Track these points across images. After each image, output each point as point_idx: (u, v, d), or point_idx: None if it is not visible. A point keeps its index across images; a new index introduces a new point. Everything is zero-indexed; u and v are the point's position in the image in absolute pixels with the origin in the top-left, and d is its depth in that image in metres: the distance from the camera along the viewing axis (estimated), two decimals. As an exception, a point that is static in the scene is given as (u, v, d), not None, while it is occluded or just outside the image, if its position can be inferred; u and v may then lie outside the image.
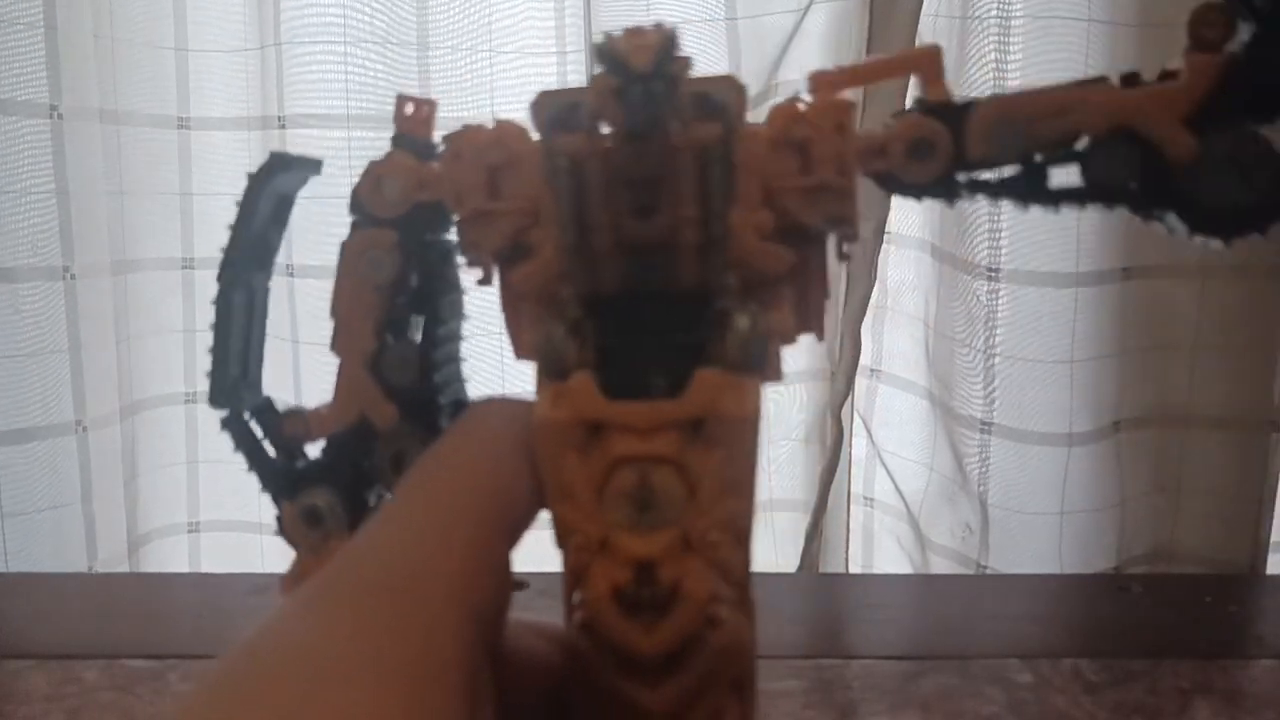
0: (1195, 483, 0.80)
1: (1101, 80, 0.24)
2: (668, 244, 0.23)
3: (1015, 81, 0.74)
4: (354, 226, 0.26)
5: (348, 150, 0.81)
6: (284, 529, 0.27)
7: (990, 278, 0.76)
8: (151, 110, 0.87)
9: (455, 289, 0.27)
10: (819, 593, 0.78)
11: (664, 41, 0.21)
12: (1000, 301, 0.77)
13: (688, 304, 0.24)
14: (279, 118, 0.83)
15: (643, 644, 0.21)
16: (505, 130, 0.25)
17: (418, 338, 0.26)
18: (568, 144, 0.23)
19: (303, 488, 0.27)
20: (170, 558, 0.95)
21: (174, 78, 0.87)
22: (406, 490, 0.23)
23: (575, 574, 0.22)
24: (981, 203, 0.25)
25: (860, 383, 0.87)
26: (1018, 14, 0.73)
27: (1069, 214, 0.74)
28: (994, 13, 0.73)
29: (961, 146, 0.24)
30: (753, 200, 0.24)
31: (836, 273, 0.74)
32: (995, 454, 0.80)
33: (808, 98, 0.24)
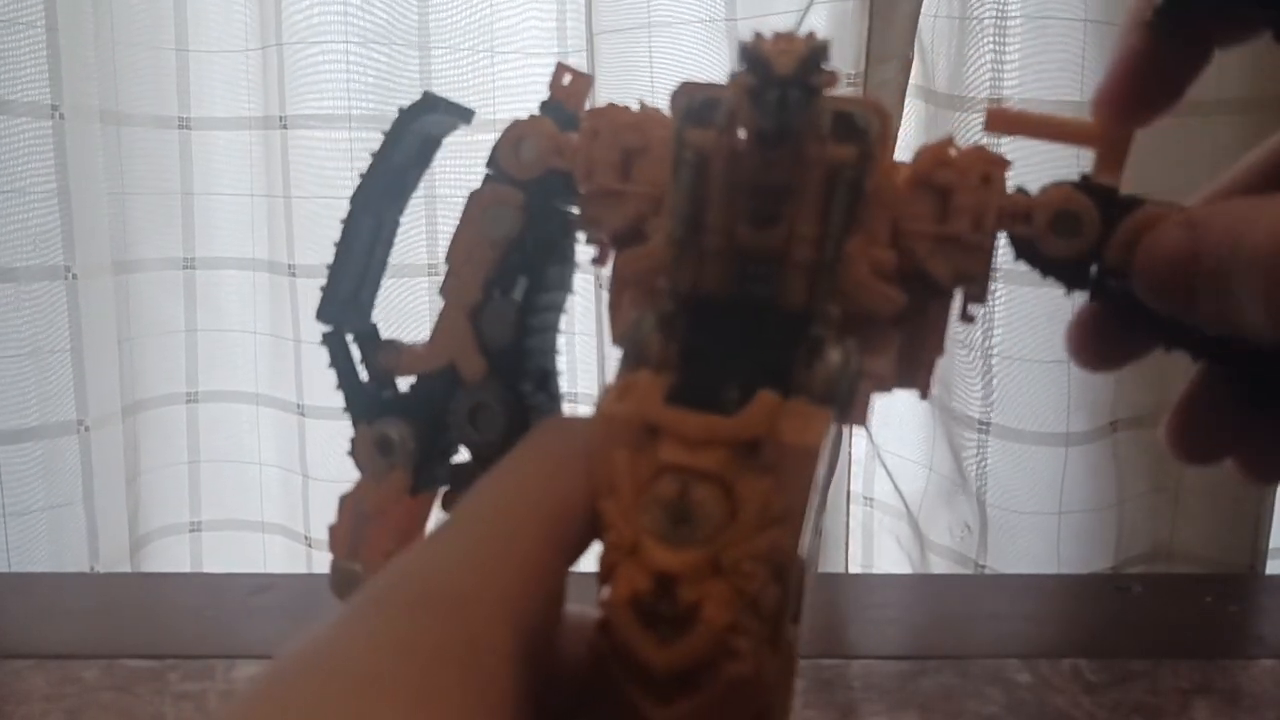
0: (1194, 482, 0.80)
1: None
2: (779, 258, 0.23)
3: (1012, 82, 0.74)
4: (486, 180, 0.26)
5: (349, 151, 0.82)
6: (355, 451, 0.27)
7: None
8: (153, 111, 0.87)
9: (567, 261, 0.27)
10: (819, 592, 0.78)
11: (811, 51, 0.21)
12: (998, 302, 0.77)
13: (784, 323, 0.23)
14: (280, 118, 0.83)
15: (655, 658, 0.21)
16: (647, 115, 0.25)
17: (520, 299, 0.27)
18: (699, 138, 0.22)
19: (381, 415, 0.27)
20: (172, 557, 0.95)
21: (175, 78, 0.88)
22: (467, 505, 0.22)
23: (604, 570, 0.21)
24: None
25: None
26: (1014, 14, 0.73)
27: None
28: (991, 14, 0.73)
29: (1106, 239, 0.24)
30: (879, 236, 0.23)
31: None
32: (993, 454, 0.80)
33: (959, 144, 0.24)
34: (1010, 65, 0.74)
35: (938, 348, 0.25)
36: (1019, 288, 0.76)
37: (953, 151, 0.24)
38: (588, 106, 0.26)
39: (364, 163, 0.27)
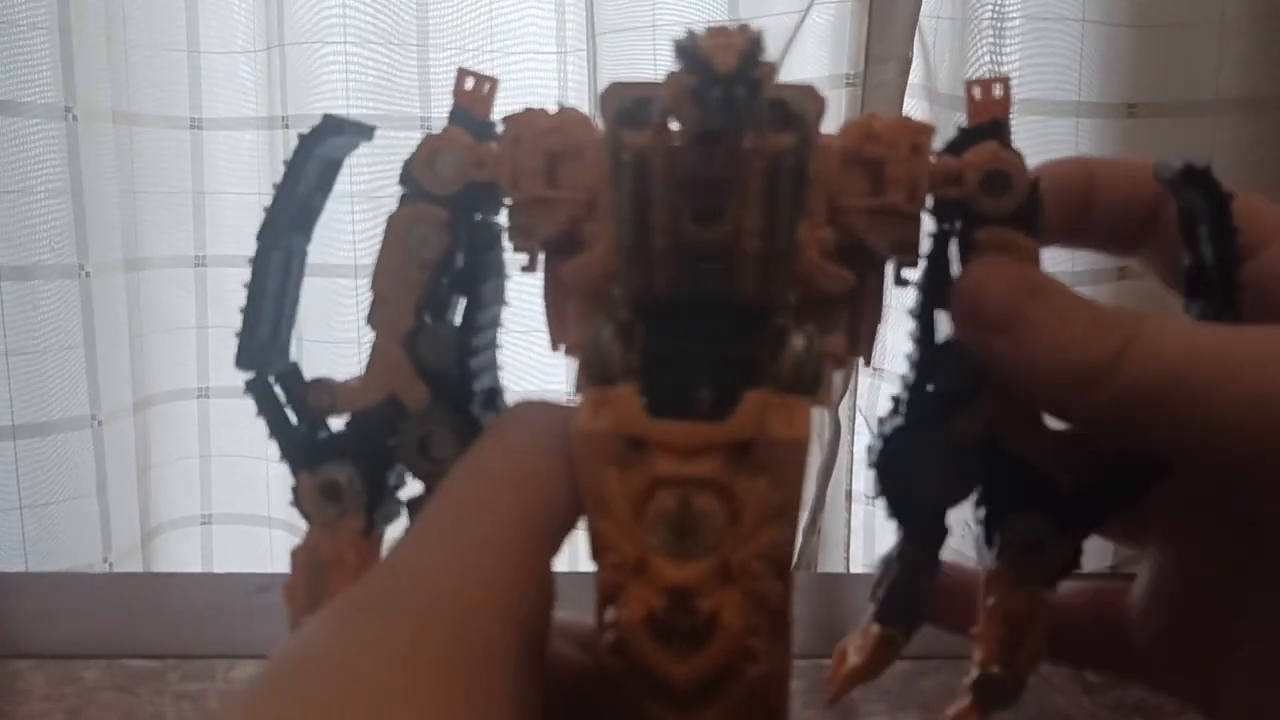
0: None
1: None
2: (728, 252, 0.22)
3: (1012, 82, 0.74)
4: (403, 200, 0.25)
5: (351, 150, 0.82)
6: (299, 501, 0.26)
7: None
8: (164, 111, 0.88)
9: (499, 273, 0.26)
10: (819, 592, 0.78)
11: (750, 44, 0.20)
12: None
13: (741, 316, 0.23)
14: (283, 118, 0.84)
15: (676, 673, 0.21)
16: (568, 118, 0.24)
17: (457, 320, 0.26)
18: (634, 139, 0.22)
19: (323, 460, 0.26)
20: (182, 550, 0.96)
21: (185, 79, 0.89)
22: (444, 499, 0.22)
23: (608, 592, 0.21)
24: None
25: (863, 381, 0.88)
26: (1013, 15, 0.73)
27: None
28: (989, 14, 0.73)
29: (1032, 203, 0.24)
30: (818, 216, 0.23)
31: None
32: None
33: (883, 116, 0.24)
34: (1009, 65, 0.74)
35: (877, 316, 0.25)
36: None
37: (877, 125, 0.23)
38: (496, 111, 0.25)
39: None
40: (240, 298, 0.27)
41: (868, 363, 0.26)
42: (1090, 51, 0.72)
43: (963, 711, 0.28)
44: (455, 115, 0.25)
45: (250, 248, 0.27)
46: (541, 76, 0.82)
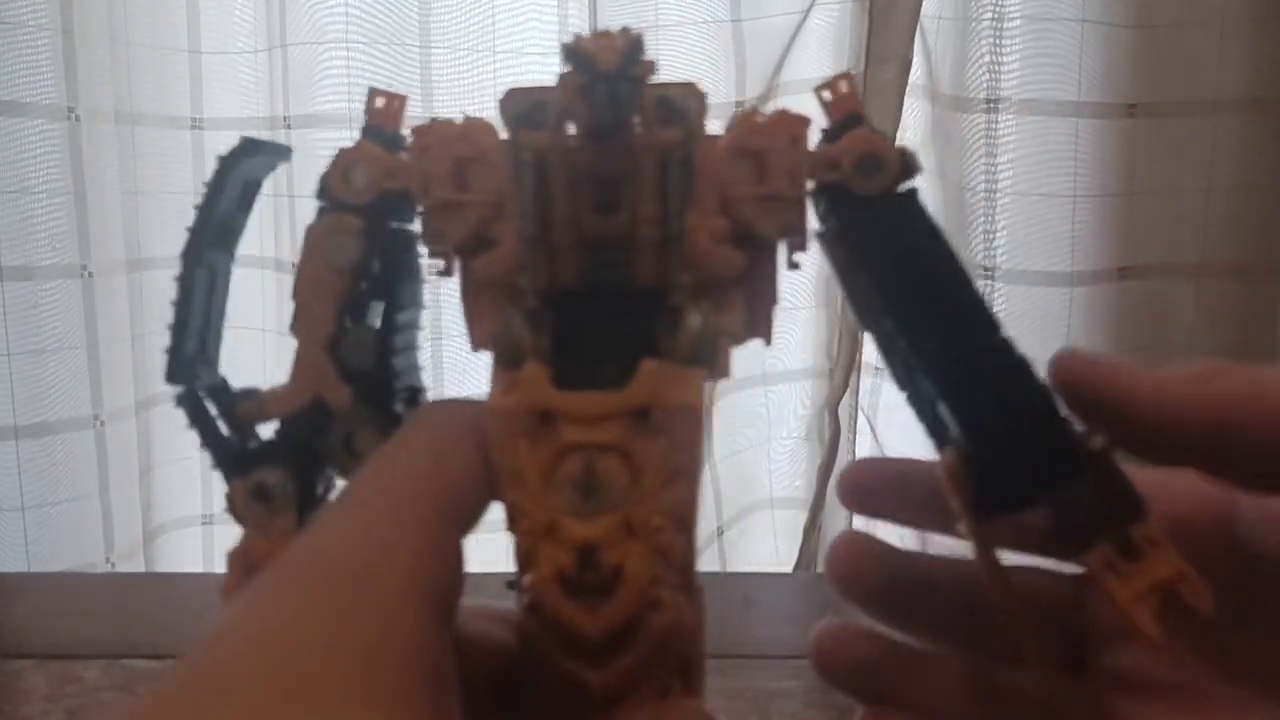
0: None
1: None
2: (626, 241, 0.24)
3: (1011, 82, 0.74)
4: (320, 212, 0.27)
5: (353, 150, 0.82)
6: (233, 506, 0.27)
7: (987, 277, 0.77)
8: (166, 111, 0.88)
9: (415, 278, 0.28)
10: (819, 592, 0.78)
11: (630, 44, 0.22)
12: (996, 301, 0.77)
13: (642, 300, 0.24)
14: (285, 118, 0.84)
15: (586, 626, 0.22)
16: (473, 126, 0.25)
17: (377, 324, 0.27)
18: (533, 140, 0.23)
19: (254, 466, 0.27)
20: (184, 549, 0.96)
21: (187, 79, 0.89)
22: (357, 482, 0.23)
23: (524, 557, 0.23)
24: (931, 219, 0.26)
25: (865, 381, 0.88)
26: (1013, 15, 0.73)
27: (1065, 213, 0.75)
28: (989, 14, 0.73)
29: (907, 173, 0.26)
30: (710, 206, 0.25)
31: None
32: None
33: (767, 110, 0.25)
34: (1009, 66, 0.74)
35: (772, 298, 0.27)
36: (1016, 287, 0.76)
37: (759, 119, 0.25)
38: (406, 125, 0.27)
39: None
40: (238, 306, 0.28)
41: (768, 342, 0.28)
42: (1090, 51, 0.72)
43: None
44: (366, 131, 0.27)
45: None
46: (543, 76, 0.81)
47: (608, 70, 0.22)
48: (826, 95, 0.26)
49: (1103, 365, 0.26)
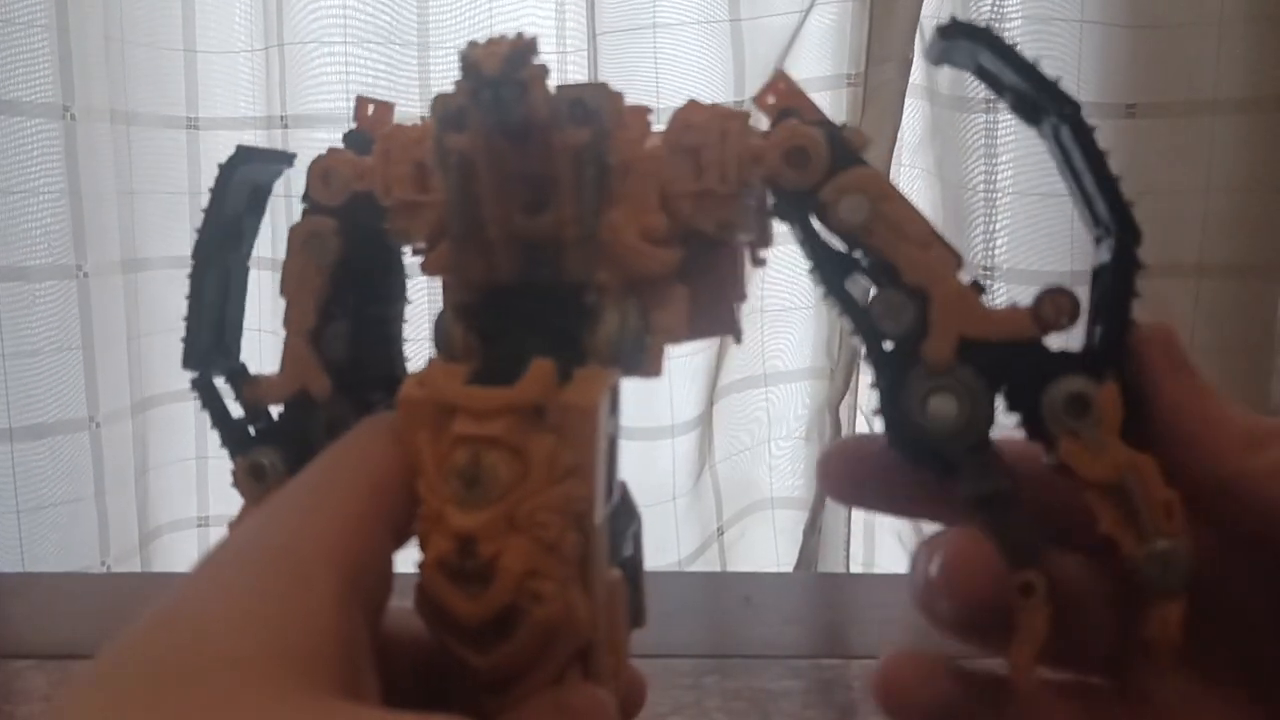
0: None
1: (954, 253, 0.26)
2: (553, 239, 0.25)
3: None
4: (304, 213, 0.28)
5: (351, 150, 0.82)
6: (236, 482, 0.29)
7: (986, 277, 0.77)
8: (161, 111, 0.88)
9: (395, 272, 0.29)
10: (819, 592, 0.78)
11: (514, 50, 0.22)
12: (995, 301, 0.77)
13: (570, 298, 0.25)
14: (282, 118, 0.84)
15: (464, 611, 0.23)
16: (430, 129, 0.26)
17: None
18: (455, 141, 0.24)
19: (253, 446, 0.29)
20: (181, 552, 0.96)
21: (183, 78, 0.89)
22: (295, 479, 0.24)
23: (420, 543, 0.24)
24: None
25: (865, 380, 0.88)
26: (1013, 15, 0.73)
27: (1064, 213, 0.75)
28: (989, 14, 0.73)
29: (834, 168, 0.25)
30: (648, 203, 0.25)
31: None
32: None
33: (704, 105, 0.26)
34: (1008, 65, 0.74)
35: (738, 294, 0.27)
36: (1016, 287, 0.76)
37: (694, 115, 0.25)
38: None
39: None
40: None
41: (738, 340, 0.28)
42: (1090, 51, 0.72)
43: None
44: (348, 136, 0.29)
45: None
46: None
47: (491, 76, 0.22)
48: (771, 99, 0.27)
49: (1194, 392, 0.25)
